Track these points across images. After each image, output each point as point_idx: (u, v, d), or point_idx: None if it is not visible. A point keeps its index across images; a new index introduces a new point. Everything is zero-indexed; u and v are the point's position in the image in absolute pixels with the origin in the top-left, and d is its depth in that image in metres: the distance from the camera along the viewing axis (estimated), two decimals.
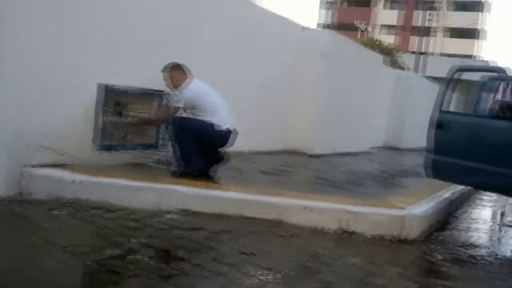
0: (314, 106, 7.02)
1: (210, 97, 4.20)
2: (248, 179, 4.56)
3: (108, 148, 4.01)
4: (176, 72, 4.18)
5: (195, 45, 4.90)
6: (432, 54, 33.09)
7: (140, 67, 4.25)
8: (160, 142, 4.36)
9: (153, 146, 4.39)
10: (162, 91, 4.30)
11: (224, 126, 4.18)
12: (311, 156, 6.79)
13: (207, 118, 4.11)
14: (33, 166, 3.46)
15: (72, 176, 3.48)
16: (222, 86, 4.68)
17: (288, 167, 5.77)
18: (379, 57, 9.62)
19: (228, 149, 4.43)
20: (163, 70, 4.19)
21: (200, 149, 4.08)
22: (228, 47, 5.54)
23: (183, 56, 4.28)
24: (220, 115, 4.18)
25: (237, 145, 5.16)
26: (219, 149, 4.33)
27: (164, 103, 4.31)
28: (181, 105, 4.10)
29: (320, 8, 45.21)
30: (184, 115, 4.17)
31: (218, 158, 4.35)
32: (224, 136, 4.21)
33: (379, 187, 5.36)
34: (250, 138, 5.90)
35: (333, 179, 5.22)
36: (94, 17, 3.86)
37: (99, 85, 3.88)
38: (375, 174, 6.31)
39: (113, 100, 4.04)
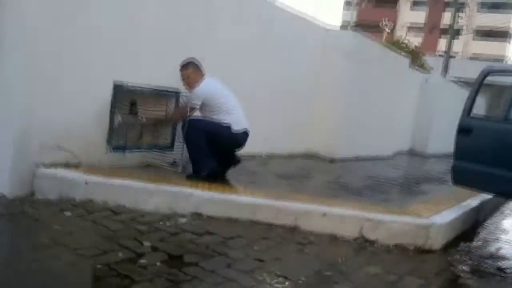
0: (337, 109, 6.97)
1: (226, 96, 4.18)
2: (264, 183, 4.55)
3: (123, 149, 4.03)
4: (194, 71, 4.17)
5: (212, 45, 4.90)
6: (460, 56, 32.63)
7: (156, 66, 4.26)
8: (176, 144, 4.38)
9: (169, 148, 4.41)
10: (178, 90, 4.31)
11: (241, 127, 4.16)
12: (331, 160, 6.76)
13: (223, 118, 4.09)
14: (46, 166, 3.49)
15: (85, 177, 3.49)
16: (241, 87, 4.70)
17: (307, 171, 5.74)
18: (405, 59, 9.51)
19: (246, 152, 4.43)
20: (181, 69, 4.18)
21: (215, 151, 4.07)
22: (247, 47, 5.53)
23: (199, 56, 4.28)
24: (237, 116, 4.17)
25: (255, 148, 5.17)
26: (235, 151, 4.32)
27: (180, 102, 4.32)
28: (198, 104, 4.09)
29: (344, 8, 45.02)
30: (199, 115, 4.17)
31: (234, 161, 4.34)
32: (241, 138, 4.20)
33: (402, 194, 5.29)
34: (269, 141, 5.96)
35: (354, 184, 5.17)
36: (109, 15, 3.89)
37: (115, 84, 3.90)
38: (399, 181, 6.23)
39: (128, 99, 4.06)
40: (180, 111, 4.24)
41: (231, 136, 4.11)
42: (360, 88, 7.37)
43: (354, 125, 7.30)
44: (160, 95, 4.26)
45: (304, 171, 5.69)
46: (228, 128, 4.08)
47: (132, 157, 4.16)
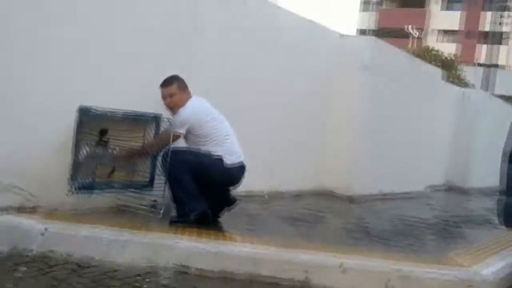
0: (354, 133, 7.01)
1: (217, 121, 4.23)
2: (267, 228, 4.54)
3: (89, 188, 4.04)
4: (178, 89, 4.22)
5: (199, 59, 4.99)
6: (504, 67, 32.86)
7: (131, 86, 4.33)
8: (157, 181, 4.39)
9: (147, 186, 4.43)
10: (158, 114, 4.36)
11: (236, 160, 4.20)
12: (350, 199, 6.76)
13: (214, 148, 4.13)
14: None
15: (43, 224, 3.49)
16: (235, 108, 4.78)
17: (320, 213, 5.73)
18: (436, 71, 9.62)
19: (243, 190, 4.44)
20: (163, 86, 4.23)
21: (205, 190, 4.09)
22: (243, 59, 5.61)
23: (184, 74, 4.35)
24: (231, 145, 4.22)
25: (254, 185, 5.17)
26: (229, 189, 4.34)
27: (161, 129, 4.37)
28: (182, 132, 4.13)
29: (361, 9, 45.51)
30: (184, 146, 4.22)
31: (229, 201, 4.36)
32: (237, 173, 4.23)
33: (438, 239, 5.27)
34: (272, 176, 6.00)
35: (378, 229, 5.16)
36: (73, 28, 3.98)
37: (80, 108, 3.93)
38: (433, 223, 6.21)
39: (97, 127, 4.10)
40: (160, 139, 4.27)
41: (223, 171, 4.13)
42: (382, 107, 7.43)
43: (377, 153, 7.32)
44: (137, 121, 4.30)
45: (316, 213, 5.68)
46: (219, 160, 4.11)
47: (102, 198, 4.17)
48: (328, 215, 5.73)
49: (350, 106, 7.01)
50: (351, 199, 6.76)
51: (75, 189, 3.97)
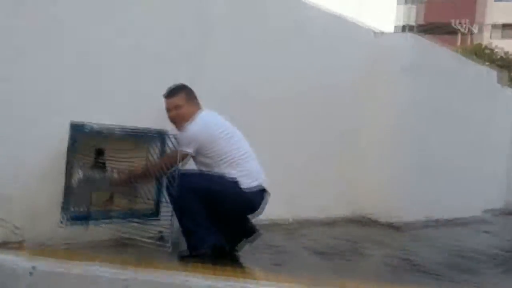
0: (394, 149, 6.98)
1: (232, 138, 4.21)
2: (295, 263, 4.52)
3: (84, 218, 4.02)
4: (186, 99, 4.23)
5: (210, 60, 5.02)
6: None
7: (132, 100, 4.36)
8: (164, 209, 4.37)
9: (153, 215, 4.42)
10: (164, 131, 4.35)
11: (255, 182, 4.16)
12: (392, 226, 6.72)
13: (228, 170, 4.10)
14: None
15: (31, 262, 3.45)
16: (252, 117, 4.75)
17: (357, 243, 5.69)
18: (491, 73, 9.53)
19: (265, 217, 4.40)
20: (167, 96, 4.24)
21: (219, 219, 4.07)
22: (260, 58, 5.61)
23: (193, 80, 4.38)
24: (249, 165, 4.19)
25: (278, 212, 5.12)
26: (249, 218, 4.32)
27: (167, 148, 4.34)
28: (191, 150, 4.10)
29: (399, 3, 45.43)
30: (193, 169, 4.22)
31: (247, 231, 4.33)
32: (256, 198, 4.18)
33: (499, 273, 5.20)
34: (298, 201, 5.98)
35: (428, 261, 5.10)
36: (64, 30, 4.01)
37: (73, 125, 3.94)
38: (492, 253, 6.12)
39: (93, 147, 4.10)
40: (166, 160, 4.24)
41: (240, 196, 4.09)
42: (427, 116, 7.39)
43: (423, 173, 7.26)
44: (139, 138, 4.30)
45: (353, 244, 5.64)
46: (235, 184, 4.07)
47: (99, 230, 4.15)
48: (367, 246, 5.68)
49: (388, 117, 7.00)
50: (394, 227, 6.72)
51: (68, 220, 3.96)
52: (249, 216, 4.33)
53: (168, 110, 4.25)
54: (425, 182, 7.28)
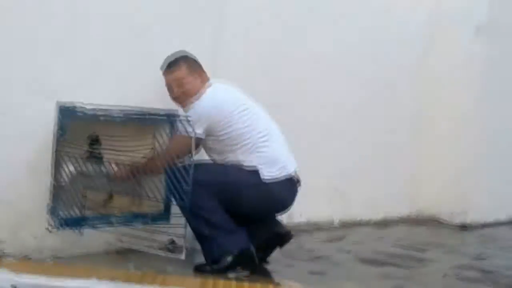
0: (466, 134, 6.90)
1: (251, 114, 4.15)
2: (343, 275, 4.49)
3: (77, 224, 4.00)
4: (189, 71, 4.20)
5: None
6: None
7: (135, 74, 4.35)
8: (175, 209, 4.32)
9: (162, 217, 4.40)
10: (173, 112, 4.30)
11: (280, 171, 4.10)
12: (463, 227, 6.68)
13: (245, 156, 4.06)
14: None
15: (12, 277, 3.48)
16: (290, 97, 4.81)
17: (420, 250, 5.63)
18: None
19: (304, 218, 4.37)
20: (166, 71, 4.23)
21: (244, 219, 4.05)
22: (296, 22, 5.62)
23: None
24: (272, 150, 4.12)
25: (320, 210, 5.07)
26: (279, 219, 4.30)
27: (176, 130, 4.29)
28: (200, 131, 4.03)
29: None
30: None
31: (279, 236, 4.27)
32: (282, 191, 4.13)
33: None
34: (344, 197, 6.00)
35: (510, 272, 5.00)
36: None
37: (61, 108, 3.93)
38: None
39: (87, 133, 4.11)
40: (171, 148, 4.18)
41: (260, 189, 4.05)
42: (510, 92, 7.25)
43: (503, 163, 7.15)
44: (143, 122, 4.24)
45: (414, 250, 5.57)
46: (254, 174, 4.03)
47: (96, 238, 4.15)
48: (432, 253, 5.59)
49: (457, 91, 6.90)
50: (465, 228, 6.68)
51: (57, 226, 3.95)
52: (277, 215, 4.33)
53: (169, 87, 4.24)
54: (505, 176, 7.13)
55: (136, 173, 4.23)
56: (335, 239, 5.50)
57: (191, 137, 3.93)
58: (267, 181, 4.06)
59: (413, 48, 6.79)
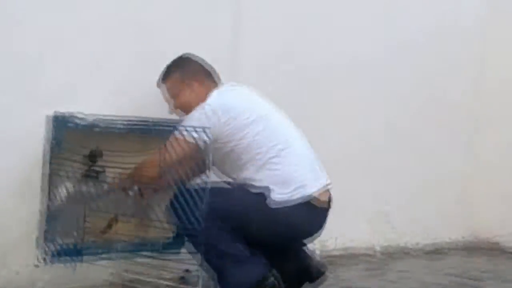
0: None
1: (262, 123, 4.01)
2: None
3: (74, 254, 4.00)
4: (183, 79, 4.16)
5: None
6: None
7: (140, 86, 4.39)
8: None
9: (173, 245, 4.40)
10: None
11: (297, 192, 3.94)
12: None
13: (255, 174, 3.93)
14: None
15: None
16: (320, 101, 4.83)
17: (479, 281, 5.59)
18: None
19: (340, 246, 4.34)
20: (161, 81, 4.23)
21: (266, 249, 3.98)
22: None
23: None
24: (288, 166, 3.99)
25: (357, 236, 5.04)
26: (304, 247, 4.23)
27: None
28: (205, 137, 3.87)
29: None
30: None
31: (307, 271, 4.19)
32: (300, 216, 3.96)
33: None
34: (386, 221, 5.98)
35: None
36: None
37: (55, 117, 3.95)
38: None
39: (85, 147, 4.10)
40: (173, 154, 4.00)
41: (268, 216, 3.90)
42: None
43: None
44: (148, 134, 4.26)
45: (473, 283, 5.51)
46: (260, 198, 3.90)
47: (97, 270, 4.14)
48: (491, 286, 5.54)
49: None
50: None
51: (50, 256, 3.96)
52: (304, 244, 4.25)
53: (166, 100, 4.25)
54: None
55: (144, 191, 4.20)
56: (376, 269, 5.48)
57: (191, 140, 3.88)
58: (274, 206, 3.90)
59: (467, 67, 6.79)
